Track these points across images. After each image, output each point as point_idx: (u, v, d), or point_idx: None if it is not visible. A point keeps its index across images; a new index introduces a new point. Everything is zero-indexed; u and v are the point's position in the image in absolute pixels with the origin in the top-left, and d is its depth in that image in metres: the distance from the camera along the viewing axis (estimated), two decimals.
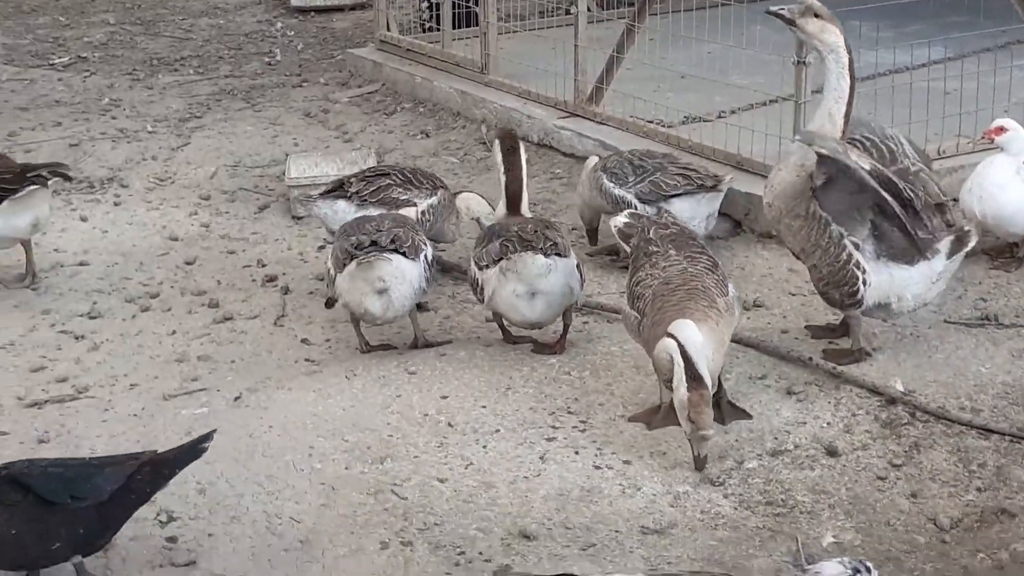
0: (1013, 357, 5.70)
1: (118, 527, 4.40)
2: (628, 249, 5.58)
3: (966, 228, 5.59)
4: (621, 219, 5.71)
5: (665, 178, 6.66)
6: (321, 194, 6.78)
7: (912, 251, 5.48)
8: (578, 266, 5.88)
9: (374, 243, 5.71)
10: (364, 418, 5.40)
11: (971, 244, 5.55)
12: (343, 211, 6.59)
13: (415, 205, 6.58)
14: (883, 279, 5.49)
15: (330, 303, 6.15)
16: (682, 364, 4.78)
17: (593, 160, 7.02)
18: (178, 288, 6.86)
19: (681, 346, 4.81)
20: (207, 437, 4.49)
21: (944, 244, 5.51)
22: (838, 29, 5.62)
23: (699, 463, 4.91)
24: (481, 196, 6.89)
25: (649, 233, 5.43)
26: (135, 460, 4.38)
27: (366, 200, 6.59)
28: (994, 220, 6.44)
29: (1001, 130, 6.48)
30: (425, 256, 5.87)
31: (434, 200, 6.66)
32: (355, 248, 5.72)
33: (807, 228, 5.51)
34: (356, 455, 5.13)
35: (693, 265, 5.23)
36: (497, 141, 6.32)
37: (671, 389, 4.91)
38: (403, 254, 5.73)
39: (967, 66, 7.73)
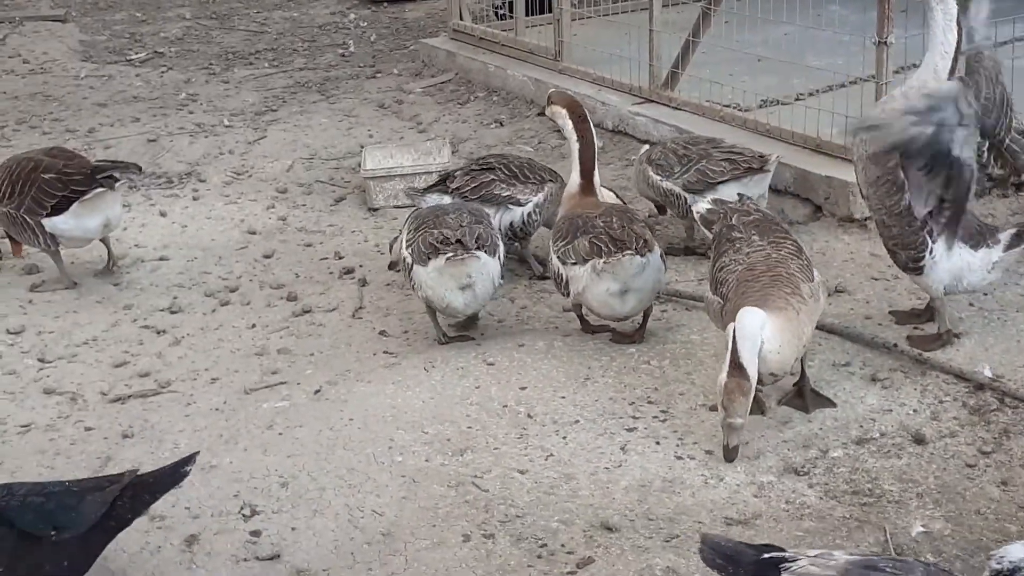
0: None
1: (99, 554, 4.15)
2: (710, 236, 5.51)
3: None
4: (704, 205, 5.66)
5: (711, 165, 6.58)
6: (426, 188, 6.76)
7: (979, 237, 5.38)
8: (662, 256, 5.83)
9: (459, 241, 5.71)
10: (443, 410, 5.39)
11: None
12: None
13: (519, 203, 6.54)
14: (951, 256, 5.38)
15: (393, 266, 6.31)
16: (731, 350, 4.74)
17: (643, 150, 6.97)
18: (257, 282, 6.90)
19: (735, 332, 4.77)
20: (189, 460, 4.23)
21: (1005, 236, 5.43)
22: None
23: (728, 453, 4.87)
24: (612, 190, 6.70)
25: (732, 219, 5.36)
26: (116, 484, 4.12)
27: (467, 196, 6.53)
28: None
29: None
30: (500, 253, 5.90)
31: (540, 197, 6.60)
32: (440, 243, 5.73)
33: (887, 187, 5.38)
34: (436, 447, 5.12)
35: (777, 251, 5.16)
36: (564, 110, 6.25)
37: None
38: (487, 252, 5.76)
39: None
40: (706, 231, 5.54)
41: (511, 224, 6.59)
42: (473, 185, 6.61)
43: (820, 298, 5.09)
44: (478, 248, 5.73)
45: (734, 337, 4.78)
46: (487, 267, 5.75)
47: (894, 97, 5.41)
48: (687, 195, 6.56)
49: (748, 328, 4.80)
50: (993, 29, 5.72)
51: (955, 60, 5.37)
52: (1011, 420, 5.04)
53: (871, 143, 5.24)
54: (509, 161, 6.73)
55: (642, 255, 5.61)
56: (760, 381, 4.89)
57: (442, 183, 6.75)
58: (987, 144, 5.40)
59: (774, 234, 5.26)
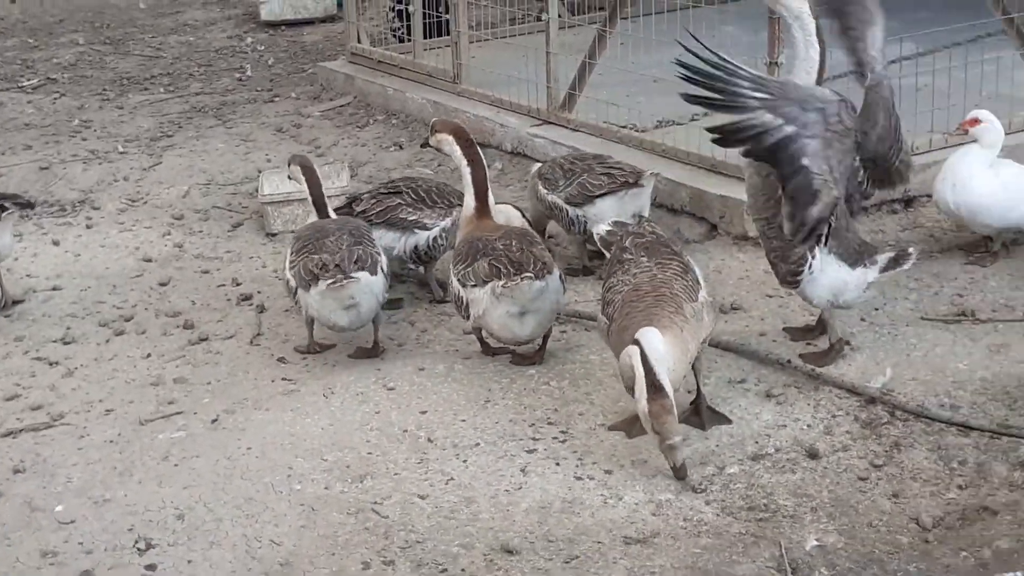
0: (991, 352, 5.69)
1: None
2: (608, 255, 5.57)
3: (909, 250, 5.59)
4: (603, 227, 5.69)
5: (591, 179, 6.68)
6: (334, 209, 6.72)
7: (857, 256, 5.50)
8: (561, 277, 5.87)
9: (338, 266, 5.79)
10: (343, 436, 5.36)
11: (907, 265, 5.56)
12: None
13: (426, 227, 6.55)
14: (828, 272, 5.47)
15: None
16: (643, 374, 4.76)
17: (536, 166, 7.06)
18: (152, 310, 6.81)
19: (643, 354, 4.79)
20: None
21: (883, 258, 5.54)
22: None
23: (678, 472, 4.88)
24: (518, 208, 6.74)
25: (625, 241, 5.42)
26: None
27: (372, 220, 6.53)
28: (968, 211, 6.44)
29: (976, 121, 6.48)
30: (382, 266, 5.98)
31: (447, 222, 6.59)
32: (320, 269, 5.81)
33: (766, 198, 5.48)
34: (336, 474, 5.09)
35: (662, 271, 5.22)
36: (450, 137, 6.27)
37: (632, 395, 4.91)
38: (368, 270, 5.84)
39: (938, 61, 7.74)
40: (606, 252, 5.58)
41: (416, 247, 6.60)
42: (379, 209, 6.60)
43: (704, 317, 5.13)
44: (359, 269, 5.79)
45: (645, 360, 4.79)
46: (369, 286, 5.83)
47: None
48: (568, 207, 6.68)
49: (655, 346, 4.84)
50: (886, 56, 5.82)
51: (821, 74, 5.47)
52: (901, 433, 5.14)
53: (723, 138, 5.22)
54: (417, 185, 6.73)
55: (541, 278, 5.64)
56: None
57: (348, 206, 6.73)
58: (872, 168, 5.51)
59: (661, 255, 5.32)
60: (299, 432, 5.41)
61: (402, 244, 6.56)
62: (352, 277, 5.75)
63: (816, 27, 5.48)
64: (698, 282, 5.27)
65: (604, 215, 6.44)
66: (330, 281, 5.75)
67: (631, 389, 4.88)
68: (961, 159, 6.48)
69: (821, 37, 5.50)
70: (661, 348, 4.83)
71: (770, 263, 5.65)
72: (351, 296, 5.80)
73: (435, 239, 6.59)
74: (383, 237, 6.50)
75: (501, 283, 5.63)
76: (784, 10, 5.45)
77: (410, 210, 6.60)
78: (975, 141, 6.46)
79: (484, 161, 6.24)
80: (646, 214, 6.67)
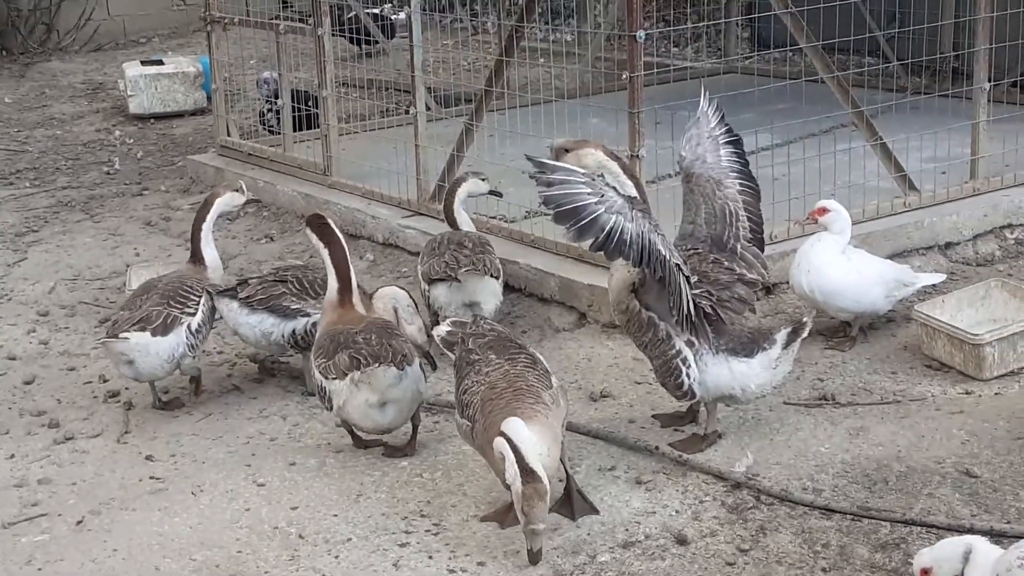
0: (851, 435, 5.86)
1: None
2: (452, 356, 5.61)
3: (804, 320, 5.75)
4: (444, 328, 5.76)
5: (435, 262, 6.87)
6: (219, 292, 6.73)
7: (752, 344, 5.63)
8: (421, 366, 5.92)
9: (115, 323, 6.40)
10: (212, 535, 5.29)
11: (805, 333, 5.69)
12: (235, 311, 6.59)
13: (307, 316, 6.56)
14: (722, 372, 5.61)
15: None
16: (513, 459, 4.84)
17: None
18: (16, 409, 6.67)
19: (510, 441, 4.87)
20: None
21: (781, 335, 5.66)
22: (592, 148, 5.78)
23: (532, 556, 4.94)
24: (403, 290, 6.72)
25: (468, 343, 5.51)
26: None
27: (253, 306, 6.57)
28: (822, 296, 6.65)
29: (824, 211, 6.72)
30: (188, 327, 6.46)
31: None
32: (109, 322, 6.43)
33: (634, 324, 5.65)
34: (204, 574, 5.02)
35: (513, 366, 5.33)
36: (307, 227, 6.31)
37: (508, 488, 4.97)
38: (152, 332, 6.34)
39: (793, 152, 8.03)
40: (449, 352, 5.64)
41: (294, 332, 6.60)
42: (263, 296, 6.61)
43: (560, 402, 5.26)
44: (140, 329, 6.34)
45: (512, 447, 4.86)
46: (144, 345, 6.34)
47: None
48: (422, 282, 6.94)
49: (521, 433, 4.91)
50: (700, 150, 6.11)
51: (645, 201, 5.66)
52: (767, 517, 5.25)
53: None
54: (303, 275, 6.75)
55: (400, 367, 5.68)
56: None
57: (234, 289, 6.73)
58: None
59: (508, 351, 5.44)
60: (167, 532, 5.33)
61: (280, 329, 6.57)
62: (120, 338, 6.28)
63: (622, 165, 5.79)
64: (547, 371, 5.40)
65: (438, 300, 6.80)
66: (106, 339, 6.38)
67: (503, 481, 4.93)
68: (813, 246, 6.70)
69: (632, 173, 5.86)
70: (526, 433, 4.93)
71: (661, 383, 5.78)
72: (122, 352, 6.32)
73: (314, 324, 6.58)
74: (263, 322, 6.54)
75: (359, 372, 5.70)
76: (590, 169, 5.66)
77: (294, 299, 6.61)
78: (825, 229, 6.69)
79: (343, 242, 6.19)
80: (486, 306, 6.82)
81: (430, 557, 5.11)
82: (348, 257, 6.18)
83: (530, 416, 5.02)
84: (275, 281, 6.71)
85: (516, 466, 4.82)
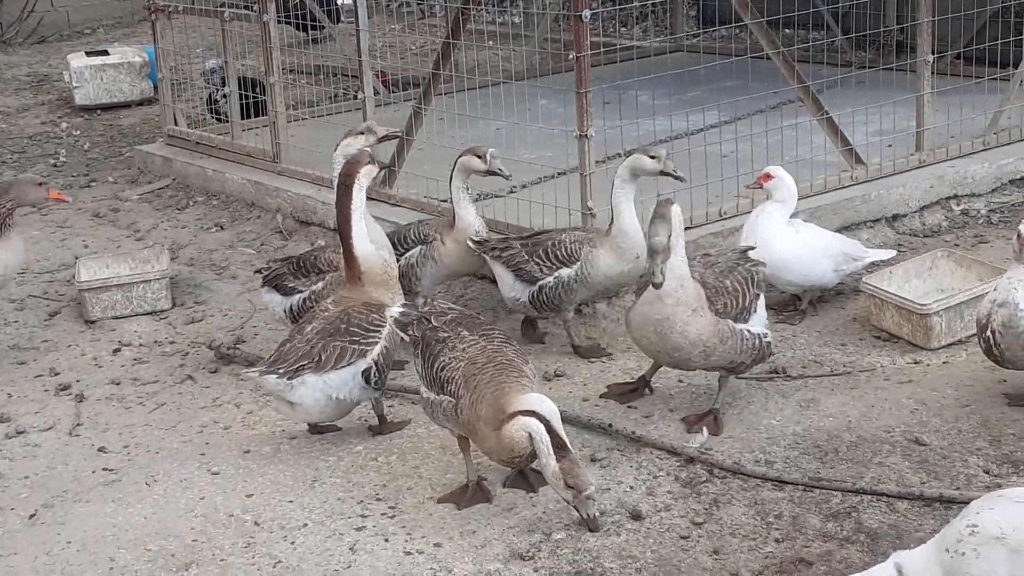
0: (801, 408, 5.91)
1: None
2: (407, 339, 5.59)
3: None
4: (397, 309, 5.73)
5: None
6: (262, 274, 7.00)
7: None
8: (366, 371, 5.79)
9: None
10: (167, 524, 5.28)
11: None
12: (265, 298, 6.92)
13: (300, 292, 6.70)
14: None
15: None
16: (547, 438, 4.85)
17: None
18: None
19: (545, 420, 4.89)
20: None
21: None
22: None
23: (594, 523, 5.00)
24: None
25: (432, 321, 5.48)
26: None
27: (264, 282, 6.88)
28: (770, 270, 6.65)
29: (768, 176, 6.75)
30: None
31: (319, 286, 6.67)
32: None
33: None
34: (160, 564, 5.00)
35: (490, 342, 5.31)
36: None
37: (513, 466, 5.08)
38: None
39: (741, 128, 8.07)
40: (403, 334, 5.62)
41: (291, 307, 6.72)
42: (272, 274, 6.85)
43: (535, 378, 5.30)
44: None
45: (547, 424, 4.87)
46: None
47: None
48: None
49: (551, 409, 4.96)
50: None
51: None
52: (720, 490, 5.29)
53: None
54: (297, 258, 6.92)
55: (288, 377, 5.68)
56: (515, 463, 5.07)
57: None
58: None
59: (481, 327, 5.43)
60: (121, 523, 5.31)
61: (282, 305, 6.76)
62: None
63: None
64: (519, 347, 5.42)
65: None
66: None
67: (519, 458, 4.96)
68: (758, 217, 6.72)
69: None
70: (551, 406, 4.97)
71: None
72: None
73: (305, 300, 6.65)
74: (272, 299, 6.83)
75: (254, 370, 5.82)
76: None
77: (291, 278, 6.77)
78: (768, 197, 6.72)
79: (351, 217, 6.06)
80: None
81: (386, 540, 5.11)
82: (354, 232, 6.02)
83: (518, 391, 5.05)
84: (284, 262, 6.97)
85: (549, 443, 4.85)
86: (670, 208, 5.47)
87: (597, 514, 5.01)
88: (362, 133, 7.08)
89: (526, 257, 6.59)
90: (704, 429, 5.70)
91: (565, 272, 6.49)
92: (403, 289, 6.59)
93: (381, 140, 7.21)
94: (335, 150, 7.04)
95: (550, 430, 4.88)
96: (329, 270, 6.72)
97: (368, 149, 6.86)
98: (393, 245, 6.73)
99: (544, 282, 6.53)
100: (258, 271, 7.07)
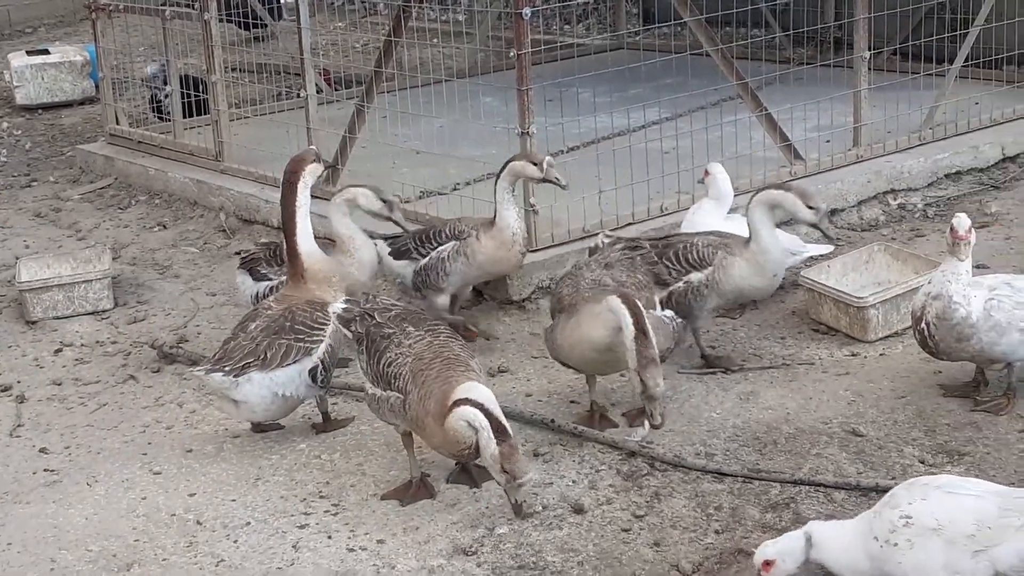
0: (741, 400, 5.98)
1: None
2: (350, 334, 5.58)
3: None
4: (340, 306, 5.70)
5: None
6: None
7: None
8: (313, 369, 5.80)
9: None
10: (108, 525, 5.26)
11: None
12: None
13: (268, 278, 6.74)
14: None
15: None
16: (487, 423, 4.86)
17: None
18: None
19: (482, 406, 4.90)
20: None
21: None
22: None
23: (519, 510, 5.00)
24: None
25: (376, 317, 5.48)
26: None
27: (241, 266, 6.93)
28: None
29: (707, 174, 6.85)
30: None
31: (277, 280, 6.68)
32: None
33: None
34: (101, 564, 4.99)
35: (436, 337, 5.33)
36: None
37: (463, 459, 5.13)
38: None
39: (682, 125, 8.13)
40: (345, 330, 5.61)
41: (257, 294, 6.72)
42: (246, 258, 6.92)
43: (481, 372, 5.30)
44: None
45: (485, 410, 4.89)
46: None
47: None
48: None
49: (487, 395, 4.98)
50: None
51: None
52: (661, 483, 5.35)
53: None
54: (269, 247, 6.93)
55: (233, 375, 5.69)
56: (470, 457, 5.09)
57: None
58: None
59: (426, 323, 5.44)
60: (62, 523, 5.28)
61: (251, 290, 6.78)
62: None
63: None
64: (465, 343, 5.46)
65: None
66: None
67: (467, 449, 4.96)
68: (695, 213, 6.81)
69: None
70: (486, 391, 4.99)
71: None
72: None
73: (272, 288, 6.65)
74: (244, 282, 6.84)
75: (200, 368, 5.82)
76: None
77: (264, 264, 6.79)
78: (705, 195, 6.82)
79: (295, 215, 6.11)
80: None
81: (329, 537, 5.12)
82: (298, 229, 6.03)
83: (474, 380, 5.07)
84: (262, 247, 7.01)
85: (490, 429, 4.86)
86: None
87: (524, 501, 5.01)
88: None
89: (655, 259, 6.20)
90: (645, 423, 5.74)
91: (695, 276, 6.14)
92: (429, 286, 6.66)
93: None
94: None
95: (488, 415, 4.89)
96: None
97: (314, 147, 6.88)
98: (425, 240, 6.71)
99: (675, 288, 6.15)
100: (237, 253, 7.14)
